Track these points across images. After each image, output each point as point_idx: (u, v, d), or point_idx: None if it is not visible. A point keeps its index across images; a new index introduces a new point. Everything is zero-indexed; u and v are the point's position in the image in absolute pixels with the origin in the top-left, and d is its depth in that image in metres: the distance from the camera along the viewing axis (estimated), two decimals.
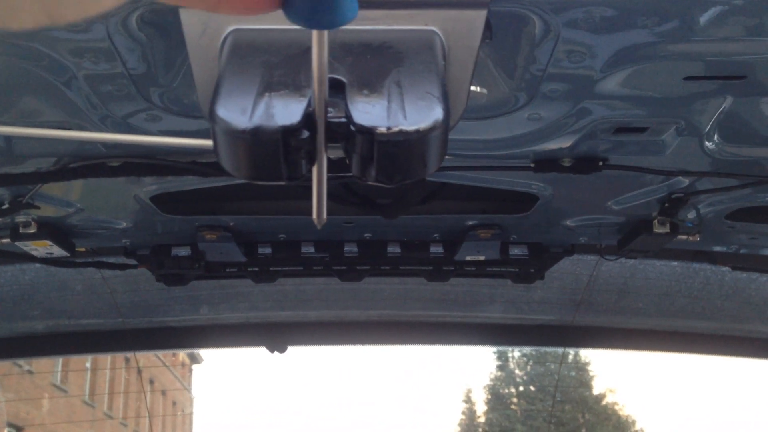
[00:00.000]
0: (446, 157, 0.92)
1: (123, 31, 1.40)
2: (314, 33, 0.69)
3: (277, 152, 0.82)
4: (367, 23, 0.99)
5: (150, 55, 1.50)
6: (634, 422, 31.64)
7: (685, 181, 2.18)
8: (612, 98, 1.67)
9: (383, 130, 0.84)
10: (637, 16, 1.36)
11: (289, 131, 0.82)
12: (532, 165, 2.05)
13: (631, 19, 1.36)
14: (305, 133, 0.82)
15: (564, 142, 1.92)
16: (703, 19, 1.36)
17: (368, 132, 0.84)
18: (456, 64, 1.07)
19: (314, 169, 0.86)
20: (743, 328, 3.46)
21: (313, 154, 0.84)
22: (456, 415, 34.62)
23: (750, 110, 1.75)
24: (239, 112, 0.84)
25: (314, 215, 0.90)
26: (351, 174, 0.89)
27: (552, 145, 1.94)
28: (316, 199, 0.88)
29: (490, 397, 32.83)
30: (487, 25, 1.10)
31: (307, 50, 0.99)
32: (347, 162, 0.89)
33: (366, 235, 2.74)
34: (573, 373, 30.22)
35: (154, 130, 1.76)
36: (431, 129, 0.85)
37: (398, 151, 0.84)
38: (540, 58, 1.50)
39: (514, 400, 32.18)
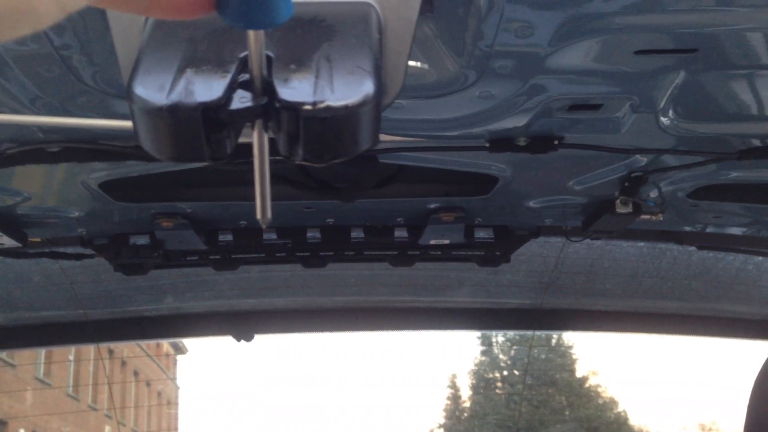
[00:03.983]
0: (399, 138, 0.88)
1: None
2: (250, 33, 0.67)
3: (198, 130, 0.78)
4: None
5: (80, 32, 1.43)
6: (617, 403, 31.98)
7: (644, 159, 2.15)
8: (563, 74, 1.64)
9: (309, 106, 0.79)
10: None
11: (209, 108, 0.78)
12: (487, 145, 2.01)
13: None
14: (227, 110, 0.78)
15: (518, 121, 1.88)
16: None
17: (293, 108, 0.80)
18: (392, 38, 1.02)
19: (256, 167, 0.82)
20: (711, 307, 3.46)
21: (238, 131, 0.80)
22: (441, 401, 34.84)
23: (703, 85, 1.71)
24: (157, 89, 0.79)
25: (258, 214, 0.86)
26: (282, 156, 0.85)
27: (506, 124, 1.90)
28: (259, 196, 0.84)
29: (474, 381, 33.02)
30: None
31: None
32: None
33: (328, 220, 2.70)
34: (552, 356, 30.39)
35: (92, 113, 1.70)
36: (360, 104, 0.81)
37: (325, 127, 0.80)
38: (486, 34, 1.46)
39: (499, 384, 32.40)
